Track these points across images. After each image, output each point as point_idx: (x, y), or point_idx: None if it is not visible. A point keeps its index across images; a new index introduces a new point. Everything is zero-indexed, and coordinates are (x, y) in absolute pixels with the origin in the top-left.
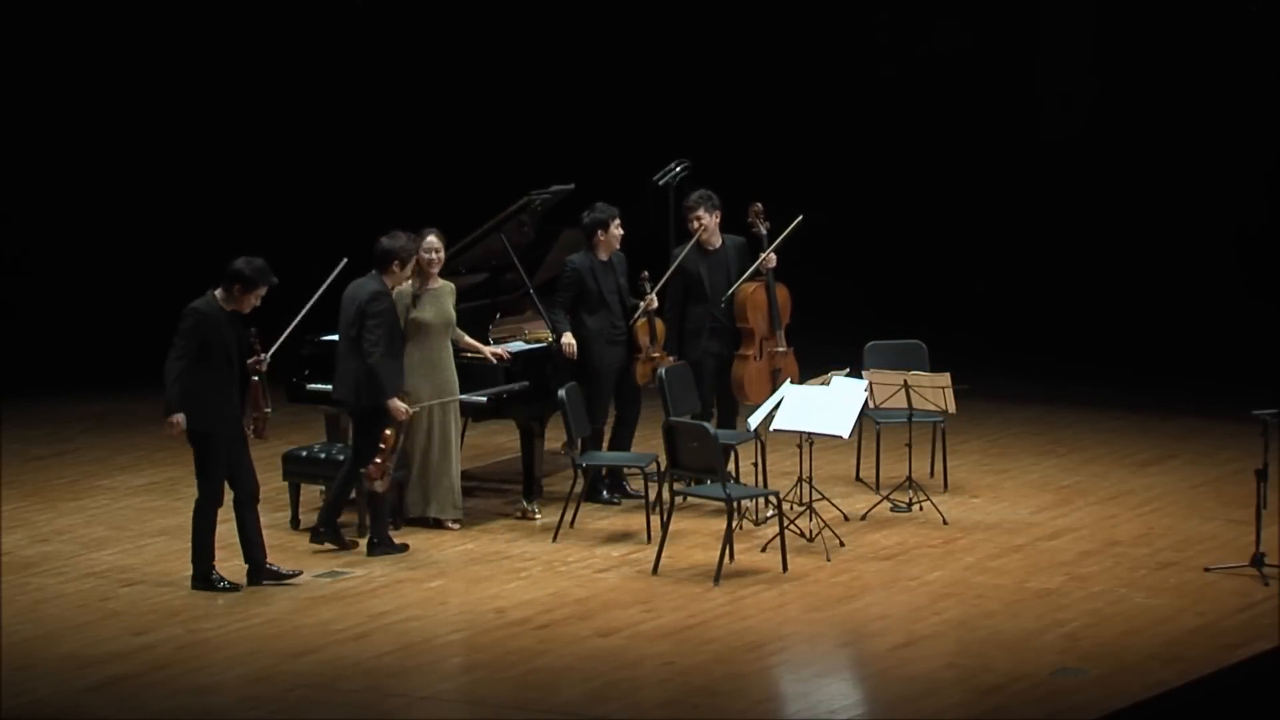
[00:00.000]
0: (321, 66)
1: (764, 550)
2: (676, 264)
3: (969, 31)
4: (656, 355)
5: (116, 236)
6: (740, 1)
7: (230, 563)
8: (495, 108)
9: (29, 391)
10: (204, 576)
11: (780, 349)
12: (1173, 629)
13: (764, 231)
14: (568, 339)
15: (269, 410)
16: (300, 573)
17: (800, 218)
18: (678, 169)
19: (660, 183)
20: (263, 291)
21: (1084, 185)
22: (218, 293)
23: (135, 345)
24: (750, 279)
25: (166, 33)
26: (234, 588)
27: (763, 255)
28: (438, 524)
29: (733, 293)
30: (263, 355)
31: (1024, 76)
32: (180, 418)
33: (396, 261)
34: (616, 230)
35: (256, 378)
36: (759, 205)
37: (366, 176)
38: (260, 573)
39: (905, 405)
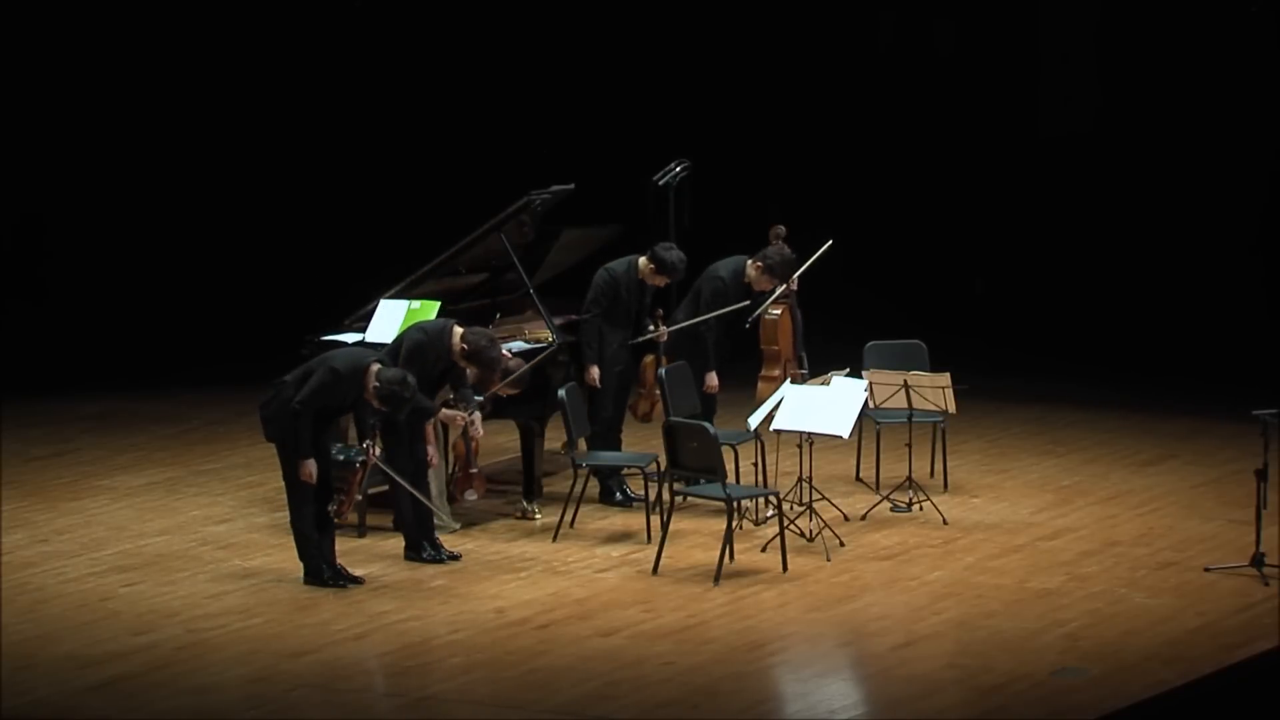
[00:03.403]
0: (320, 68)
1: (764, 550)
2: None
3: (969, 30)
4: (657, 395)
5: (117, 237)
6: (739, 2)
7: (230, 563)
8: (495, 108)
9: (29, 391)
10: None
11: (803, 369)
12: (1173, 629)
13: None
14: (595, 373)
15: (359, 498)
16: (362, 581)
17: (829, 243)
18: (678, 169)
19: (660, 183)
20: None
21: (1084, 185)
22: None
23: (135, 345)
24: (776, 302)
25: (158, 34)
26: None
27: (789, 279)
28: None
29: (759, 316)
30: (371, 443)
31: (1024, 75)
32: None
33: None
34: (662, 280)
35: (360, 464)
36: (781, 228)
37: (366, 177)
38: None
39: (905, 405)
